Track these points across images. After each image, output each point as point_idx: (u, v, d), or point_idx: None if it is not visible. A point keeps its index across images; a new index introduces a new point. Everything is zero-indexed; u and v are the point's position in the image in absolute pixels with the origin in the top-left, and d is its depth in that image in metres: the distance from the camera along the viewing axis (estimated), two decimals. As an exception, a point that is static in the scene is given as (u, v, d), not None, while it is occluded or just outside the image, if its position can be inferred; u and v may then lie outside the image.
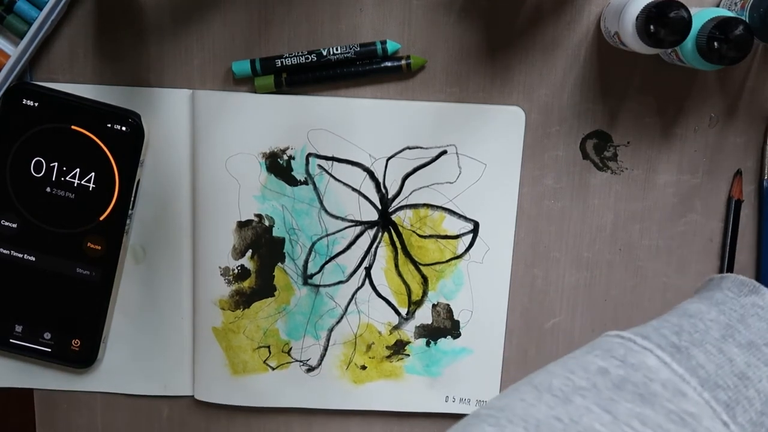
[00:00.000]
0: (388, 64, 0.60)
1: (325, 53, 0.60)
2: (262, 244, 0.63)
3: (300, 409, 0.66)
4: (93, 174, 0.60)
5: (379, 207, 0.63)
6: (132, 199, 0.61)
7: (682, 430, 0.35)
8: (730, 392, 0.37)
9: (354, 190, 0.62)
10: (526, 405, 0.37)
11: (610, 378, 0.37)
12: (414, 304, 0.64)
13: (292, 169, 0.62)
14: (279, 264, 0.63)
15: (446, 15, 0.60)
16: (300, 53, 0.60)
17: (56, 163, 0.60)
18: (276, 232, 0.63)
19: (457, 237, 0.63)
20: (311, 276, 0.63)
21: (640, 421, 0.35)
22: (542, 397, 0.37)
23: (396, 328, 0.64)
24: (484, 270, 0.63)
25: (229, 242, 0.63)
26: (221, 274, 0.63)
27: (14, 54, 0.58)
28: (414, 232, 0.63)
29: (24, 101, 0.60)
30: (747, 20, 0.54)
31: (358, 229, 0.63)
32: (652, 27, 0.51)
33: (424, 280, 0.64)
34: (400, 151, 0.62)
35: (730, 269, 0.63)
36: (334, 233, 0.63)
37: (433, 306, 0.64)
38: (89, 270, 0.62)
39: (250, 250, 0.63)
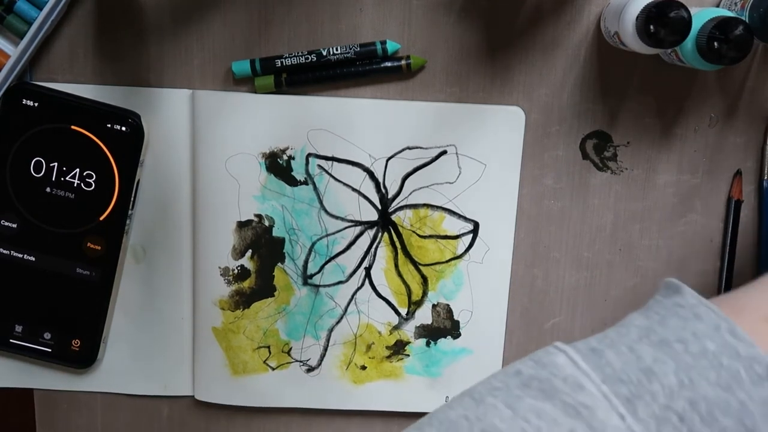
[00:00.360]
0: (388, 64, 0.60)
1: (325, 53, 0.60)
2: (262, 244, 0.63)
3: (300, 409, 0.66)
4: (93, 174, 0.61)
5: (379, 207, 0.63)
6: (132, 199, 0.61)
7: (575, 422, 0.35)
8: (633, 387, 0.36)
9: (354, 190, 0.62)
10: (448, 409, 0.38)
11: (522, 377, 0.38)
12: (414, 305, 0.64)
13: (291, 169, 0.62)
14: (279, 264, 0.63)
15: (446, 15, 0.60)
16: (300, 53, 0.60)
17: (56, 163, 0.60)
18: (276, 232, 0.63)
19: (457, 237, 0.63)
20: (311, 276, 0.63)
21: (537, 414, 0.36)
22: (462, 401, 0.39)
23: (396, 328, 0.64)
24: (484, 270, 0.63)
25: (229, 242, 0.63)
26: (221, 274, 0.63)
27: (14, 54, 0.58)
28: (414, 232, 0.63)
29: (24, 101, 0.60)
30: (747, 20, 0.54)
31: (357, 229, 0.63)
32: (652, 27, 0.51)
33: (424, 280, 0.64)
34: (400, 151, 0.62)
35: (730, 269, 0.63)
36: (334, 233, 0.63)
37: (433, 306, 0.64)
38: (89, 270, 0.62)
39: (250, 250, 0.63)
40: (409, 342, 0.64)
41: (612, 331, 0.41)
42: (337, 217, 0.63)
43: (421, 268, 0.64)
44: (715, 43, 0.51)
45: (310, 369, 0.65)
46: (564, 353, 0.39)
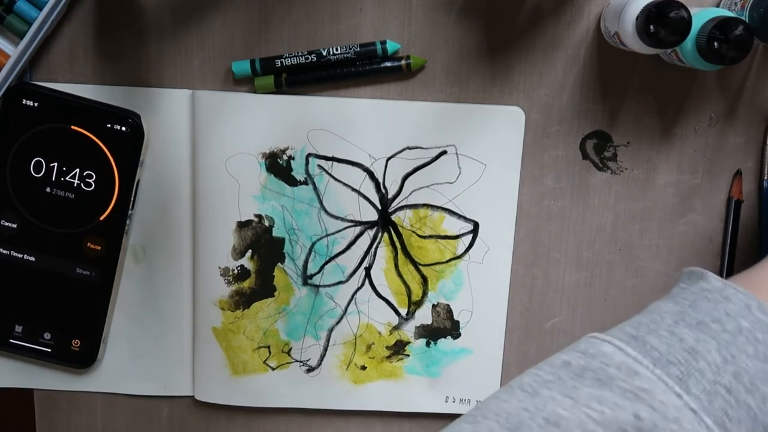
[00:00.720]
0: (388, 64, 0.60)
1: (325, 53, 0.60)
2: (261, 244, 0.63)
3: (300, 410, 0.66)
4: (93, 174, 0.61)
5: (379, 207, 0.63)
6: (132, 199, 0.61)
7: (637, 405, 0.38)
8: (682, 367, 0.39)
9: (354, 190, 0.62)
10: (500, 402, 0.41)
11: (572, 369, 0.40)
12: (414, 305, 0.64)
13: (291, 169, 0.62)
14: (279, 264, 0.63)
15: (446, 15, 0.60)
16: (300, 53, 0.60)
17: (56, 163, 0.60)
18: (276, 233, 0.63)
19: (456, 237, 0.63)
20: (311, 276, 0.63)
21: (598, 401, 0.38)
22: (514, 393, 0.41)
23: (396, 328, 0.64)
24: (484, 270, 0.63)
25: (228, 242, 0.63)
26: (221, 275, 0.63)
27: (14, 54, 0.58)
28: (414, 232, 0.63)
29: (24, 101, 0.60)
30: (747, 20, 0.54)
31: (357, 229, 0.63)
32: (652, 27, 0.51)
33: (424, 280, 0.64)
34: (400, 151, 0.62)
35: (730, 269, 0.63)
36: (333, 233, 0.63)
37: (433, 306, 0.64)
38: (89, 270, 0.62)
39: (250, 251, 0.63)
40: (409, 342, 0.64)
41: (644, 317, 0.43)
42: (337, 217, 0.63)
43: (421, 268, 0.64)
44: (715, 43, 0.51)
45: (310, 369, 0.65)
46: (609, 343, 0.41)
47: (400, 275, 0.64)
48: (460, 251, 0.63)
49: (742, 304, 0.42)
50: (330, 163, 0.62)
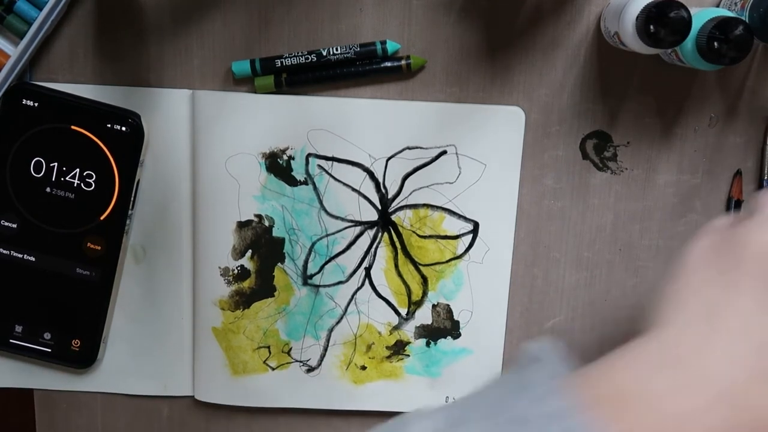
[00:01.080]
0: (388, 64, 0.60)
1: (325, 53, 0.60)
2: (261, 244, 0.63)
3: (300, 410, 0.66)
4: (93, 174, 0.61)
5: (379, 207, 0.63)
6: (132, 199, 0.61)
7: None
8: None
9: (354, 190, 0.62)
10: None
11: None
12: (414, 305, 0.64)
13: (291, 170, 0.62)
14: (279, 264, 0.63)
15: (446, 15, 0.60)
16: (300, 53, 0.60)
17: (56, 163, 0.60)
18: (276, 233, 0.63)
19: (457, 237, 0.63)
20: (311, 276, 0.63)
21: None
22: None
23: (396, 328, 0.64)
24: (484, 270, 0.63)
25: (228, 242, 0.63)
26: (221, 275, 0.63)
27: (14, 54, 0.58)
28: (414, 232, 0.63)
29: (24, 101, 0.60)
30: (747, 20, 0.54)
31: (357, 229, 0.63)
32: (652, 27, 0.51)
33: (424, 280, 0.64)
34: (400, 151, 0.62)
35: (730, 269, 0.63)
36: (334, 233, 0.63)
37: (433, 306, 0.64)
38: (89, 270, 0.62)
39: (250, 251, 0.63)
40: (409, 342, 0.64)
41: (473, 398, 0.40)
42: (337, 217, 0.63)
43: (421, 268, 0.64)
44: (715, 43, 0.51)
45: (310, 369, 0.65)
46: (416, 426, 0.37)
47: (400, 275, 0.64)
48: (460, 251, 0.63)
49: (563, 406, 0.36)
50: (330, 163, 0.62)
